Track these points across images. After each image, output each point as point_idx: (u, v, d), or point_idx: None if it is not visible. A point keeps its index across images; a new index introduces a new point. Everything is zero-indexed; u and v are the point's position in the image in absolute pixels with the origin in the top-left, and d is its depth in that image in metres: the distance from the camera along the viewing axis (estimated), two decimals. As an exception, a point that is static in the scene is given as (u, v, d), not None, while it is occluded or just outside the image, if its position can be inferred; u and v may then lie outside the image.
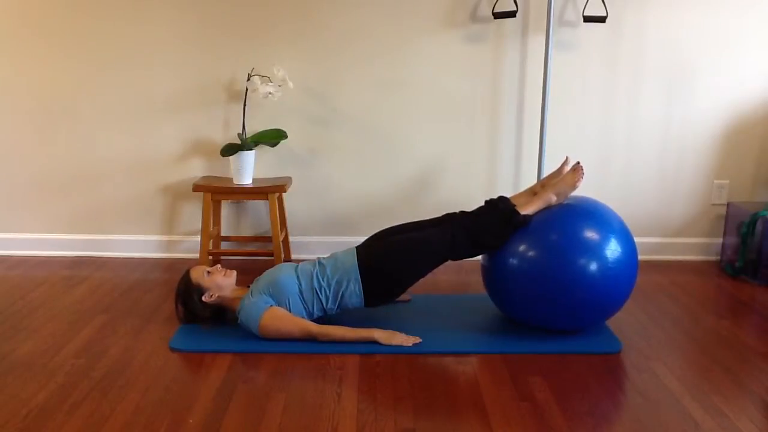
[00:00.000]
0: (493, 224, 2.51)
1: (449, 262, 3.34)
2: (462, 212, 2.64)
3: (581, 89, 3.41)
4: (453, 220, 2.58)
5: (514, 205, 2.53)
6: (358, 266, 2.50)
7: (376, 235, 2.69)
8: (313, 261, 2.62)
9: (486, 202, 2.62)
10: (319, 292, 2.51)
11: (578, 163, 2.63)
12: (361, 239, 2.72)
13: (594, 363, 2.35)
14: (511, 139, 3.47)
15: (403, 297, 2.85)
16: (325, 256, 2.66)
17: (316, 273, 2.53)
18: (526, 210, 2.52)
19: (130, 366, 2.33)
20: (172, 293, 2.66)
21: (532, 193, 2.68)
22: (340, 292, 2.51)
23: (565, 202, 2.57)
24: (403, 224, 2.70)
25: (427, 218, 2.69)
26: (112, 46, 3.37)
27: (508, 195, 2.70)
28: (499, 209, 2.53)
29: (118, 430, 1.93)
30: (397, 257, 2.51)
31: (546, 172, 3.32)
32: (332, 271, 2.52)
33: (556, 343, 2.47)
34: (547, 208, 2.55)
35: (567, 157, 2.72)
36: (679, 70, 3.39)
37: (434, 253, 2.52)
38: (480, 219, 2.55)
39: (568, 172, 2.63)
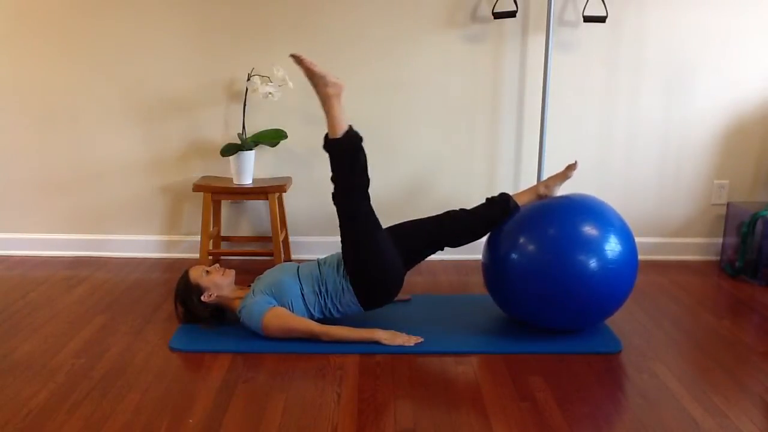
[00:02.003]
0: (341, 168, 2.44)
1: (448, 262, 3.34)
2: (462, 209, 2.64)
3: (581, 89, 3.41)
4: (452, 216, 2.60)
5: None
6: (349, 277, 2.49)
7: None
8: (314, 263, 2.62)
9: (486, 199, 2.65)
10: (319, 296, 2.51)
11: (575, 161, 2.70)
12: (361, 239, 2.72)
13: (594, 363, 2.35)
14: (511, 139, 3.47)
15: (404, 297, 2.85)
16: (325, 256, 2.67)
17: (316, 277, 2.53)
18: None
19: (130, 366, 2.33)
20: (172, 293, 2.66)
21: (534, 193, 2.70)
22: (338, 299, 2.51)
23: (567, 200, 2.57)
24: (401, 223, 2.70)
25: (427, 217, 2.69)
26: (113, 46, 3.37)
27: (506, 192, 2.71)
28: None
29: (118, 430, 1.93)
30: (375, 257, 2.49)
31: (546, 172, 3.33)
32: (329, 277, 2.52)
33: (556, 343, 2.47)
34: (546, 203, 2.57)
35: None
36: (679, 71, 3.39)
37: (367, 231, 2.46)
38: (336, 177, 2.45)
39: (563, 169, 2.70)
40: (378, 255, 2.47)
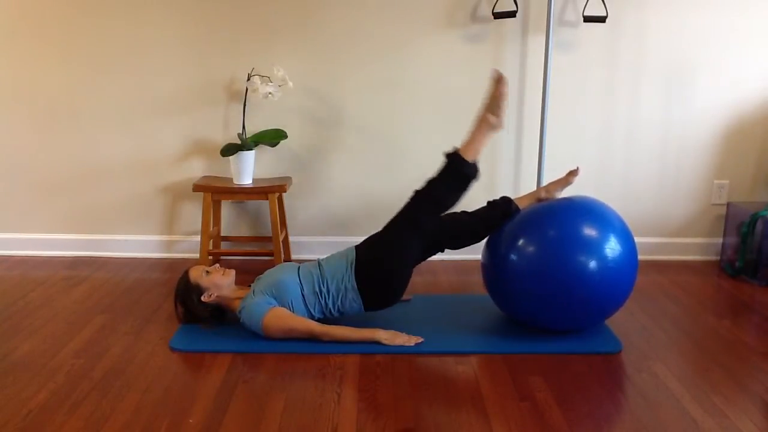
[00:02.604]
0: (444, 183, 2.54)
1: (448, 262, 3.32)
2: (463, 211, 2.64)
3: (581, 89, 3.41)
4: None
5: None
6: (354, 276, 2.49)
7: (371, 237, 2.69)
8: (314, 263, 2.62)
9: (488, 202, 2.64)
10: (320, 296, 2.51)
11: (576, 168, 2.70)
12: (361, 239, 2.72)
13: (594, 363, 2.35)
14: (511, 139, 3.47)
15: (405, 297, 2.85)
16: (325, 256, 2.67)
17: (317, 277, 2.53)
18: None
19: (130, 366, 2.33)
20: (172, 293, 2.66)
21: (535, 197, 2.70)
22: (340, 299, 2.51)
23: (567, 201, 2.57)
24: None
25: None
26: (112, 46, 3.37)
27: (507, 195, 2.71)
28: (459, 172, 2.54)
29: (118, 430, 1.93)
30: (385, 259, 2.50)
31: (546, 172, 3.33)
32: (331, 277, 2.52)
33: (556, 343, 2.47)
34: (546, 204, 2.57)
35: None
36: (679, 71, 3.39)
37: (410, 238, 2.52)
38: (432, 183, 2.55)
39: (565, 175, 2.70)
40: (400, 258, 2.51)
